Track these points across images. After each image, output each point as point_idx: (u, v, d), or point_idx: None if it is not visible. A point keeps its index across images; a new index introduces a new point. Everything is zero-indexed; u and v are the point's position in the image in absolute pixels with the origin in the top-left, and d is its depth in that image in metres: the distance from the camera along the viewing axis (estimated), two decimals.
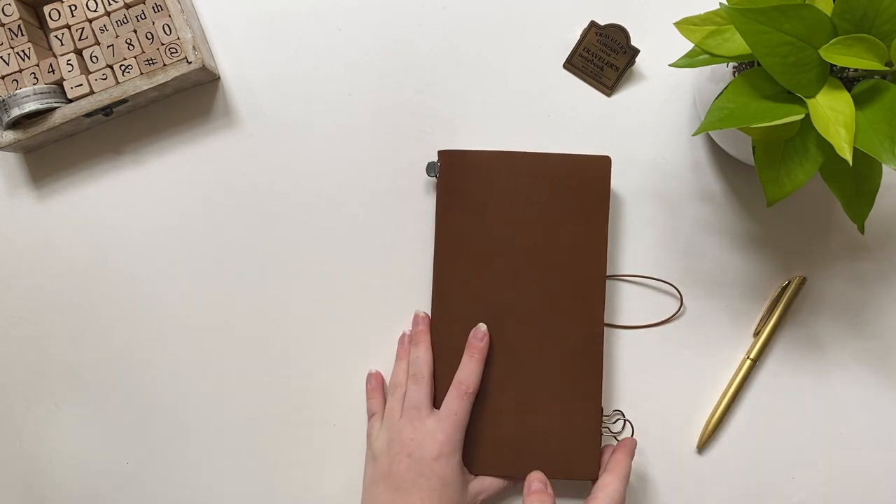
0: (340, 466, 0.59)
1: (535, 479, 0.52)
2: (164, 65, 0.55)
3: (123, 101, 0.55)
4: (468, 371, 0.53)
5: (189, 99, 0.59)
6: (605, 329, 0.57)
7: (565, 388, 0.55)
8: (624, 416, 0.58)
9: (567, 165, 0.55)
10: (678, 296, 0.58)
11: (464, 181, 0.56)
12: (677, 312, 0.58)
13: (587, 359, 0.55)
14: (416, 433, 0.52)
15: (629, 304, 0.58)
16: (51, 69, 0.55)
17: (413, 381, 0.54)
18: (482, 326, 0.55)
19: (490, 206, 0.55)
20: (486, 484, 0.55)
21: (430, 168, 0.57)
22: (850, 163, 0.39)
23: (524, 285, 0.55)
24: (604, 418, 0.56)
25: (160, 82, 0.55)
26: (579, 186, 0.55)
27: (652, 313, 0.58)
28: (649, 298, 0.58)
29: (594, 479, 0.54)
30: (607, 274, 0.55)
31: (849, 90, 0.42)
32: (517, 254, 0.55)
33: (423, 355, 0.55)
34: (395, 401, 0.55)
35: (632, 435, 0.57)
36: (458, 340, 0.55)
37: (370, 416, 0.57)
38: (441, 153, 0.56)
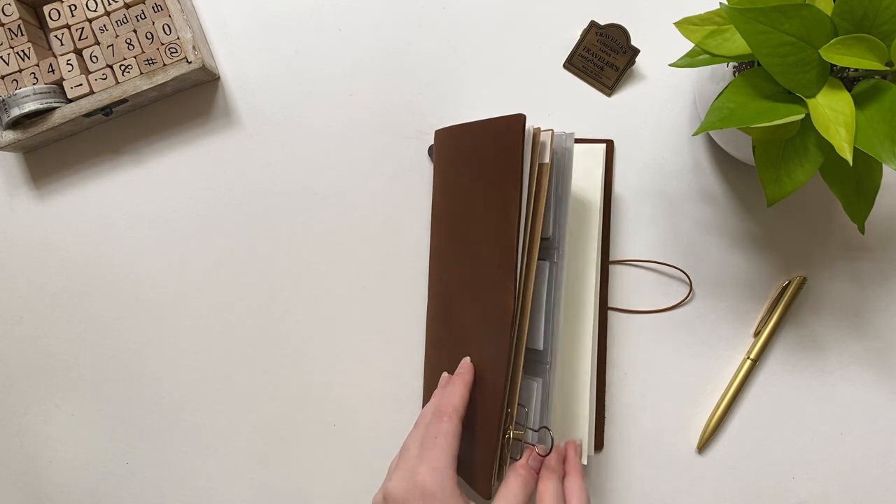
0: (340, 466, 0.59)
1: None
2: (164, 65, 0.55)
3: (123, 101, 0.55)
4: (447, 392, 0.47)
5: (189, 99, 0.59)
6: (609, 315, 0.56)
7: (477, 392, 0.47)
8: (522, 441, 0.48)
9: (484, 131, 0.47)
10: (687, 281, 0.58)
11: (438, 159, 0.56)
12: (687, 297, 0.58)
13: (495, 356, 0.45)
14: (401, 482, 0.44)
15: (635, 292, 0.58)
16: (51, 69, 0.55)
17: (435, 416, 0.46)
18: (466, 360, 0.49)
19: (442, 181, 0.53)
20: None
21: (430, 151, 0.57)
22: (850, 163, 0.39)
23: (452, 267, 0.50)
24: (516, 434, 0.46)
25: (160, 82, 0.55)
26: (495, 153, 0.46)
27: (658, 304, 0.58)
28: (656, 288, 0.58)
29: (487, 498, 0.47)
30: (610, 259, 0.53)
31: (849, 90, 0.42)
32: (448, 233, 0.50)
33: (458, 394, 0.47)
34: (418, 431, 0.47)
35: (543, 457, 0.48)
36: (435, 329, 0.53)
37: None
38: (435, 133, 0.56)
